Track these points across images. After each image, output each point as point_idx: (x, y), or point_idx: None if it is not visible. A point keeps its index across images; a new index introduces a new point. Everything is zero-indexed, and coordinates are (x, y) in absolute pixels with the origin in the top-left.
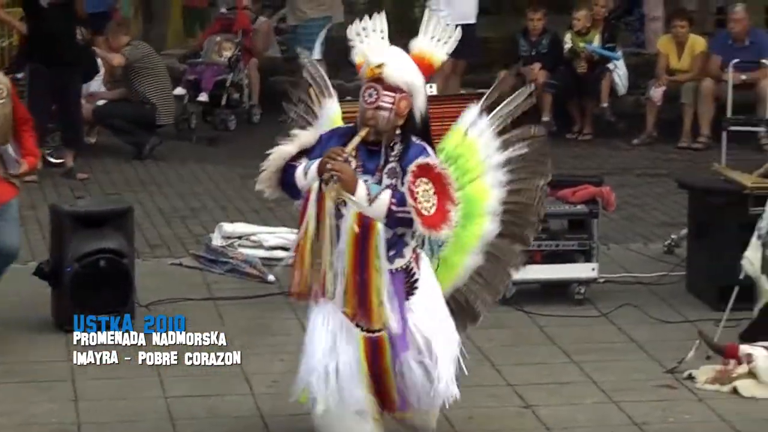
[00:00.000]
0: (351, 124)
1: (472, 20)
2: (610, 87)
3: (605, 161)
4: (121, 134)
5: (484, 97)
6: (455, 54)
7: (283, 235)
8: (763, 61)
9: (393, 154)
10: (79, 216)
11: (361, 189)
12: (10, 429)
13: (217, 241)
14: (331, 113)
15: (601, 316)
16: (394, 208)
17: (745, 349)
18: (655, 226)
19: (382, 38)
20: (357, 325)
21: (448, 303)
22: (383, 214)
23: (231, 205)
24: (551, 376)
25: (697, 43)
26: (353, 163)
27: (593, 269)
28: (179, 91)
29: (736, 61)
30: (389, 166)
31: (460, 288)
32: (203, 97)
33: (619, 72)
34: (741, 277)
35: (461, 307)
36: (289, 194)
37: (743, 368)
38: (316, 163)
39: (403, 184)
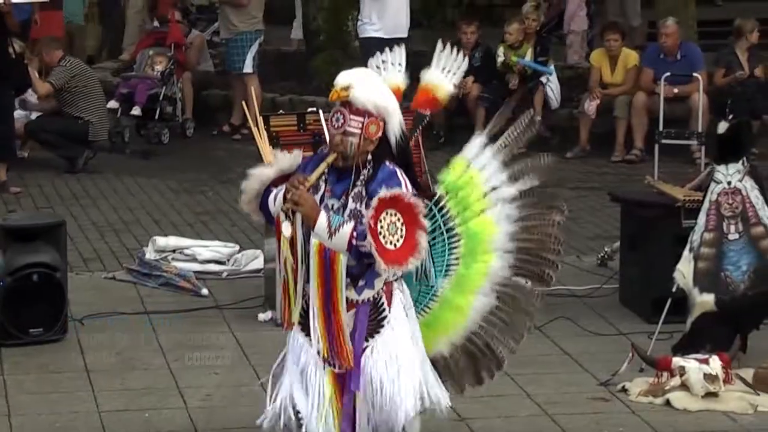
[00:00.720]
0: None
1: (404, 34)
2: (543, 100)
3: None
4: (53, 148)
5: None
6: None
7: (217, 248)
8: (695, 74)
9: (361, 178)
10: (11, 230)
11: (322, 220)
12: None
13: (150, 254)
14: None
15: (535, 330)
16: (354, 242)
17: (677, 361)
18: (589, 239)
19: (399, 71)
20: (324, 360)
21: (465, 349)
22: (344, 247)
23: (164, 219)
24: (485, 389)
25: (630, 56)
26: (322, 187)
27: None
28: (112, 104)
29: (667, 74)
30: (356, 189)
31: (477, 332)
32: (136, 110)
33: (552, 85)
34: (674, 289)
35: (482, 353)
36: (268, 220)
37: (676, 380)
38: (283, 190)
39: (367, 208)
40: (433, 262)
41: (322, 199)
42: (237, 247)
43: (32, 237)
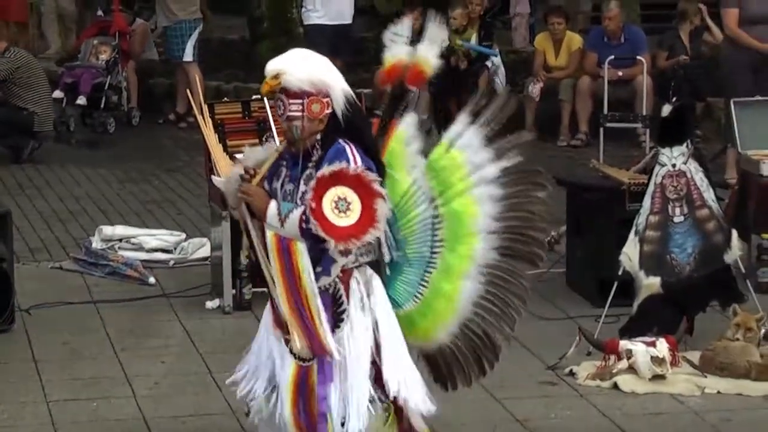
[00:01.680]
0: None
1: (348, 20)
2: (489, 84)
3: None
4: None
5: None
6: (332, 53)
7: (164, 237)
8: (639, 57)
9: (312, 159)
10: None
11: (272, 209)
12: None
13: (97, 243)
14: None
15: None
16: (304, 225)
17: (624, 344)
18: None
19: (406, 44)
20: (291, 352)
21: (465, 338)
22: (297, 232)
23: (111, 208)
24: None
25: (574, 40)
26: (283, 173)
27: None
28: (57, 94)
29: (611, 57)
30: (307, 172)
31: (472, 319)
32: (81, 100)
33: (497, 70)
34: (620, 272)
35: (482, 342)
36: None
37: (623, 364)
38: None
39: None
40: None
41: (282, 185)
42: (183, 236)
43: None
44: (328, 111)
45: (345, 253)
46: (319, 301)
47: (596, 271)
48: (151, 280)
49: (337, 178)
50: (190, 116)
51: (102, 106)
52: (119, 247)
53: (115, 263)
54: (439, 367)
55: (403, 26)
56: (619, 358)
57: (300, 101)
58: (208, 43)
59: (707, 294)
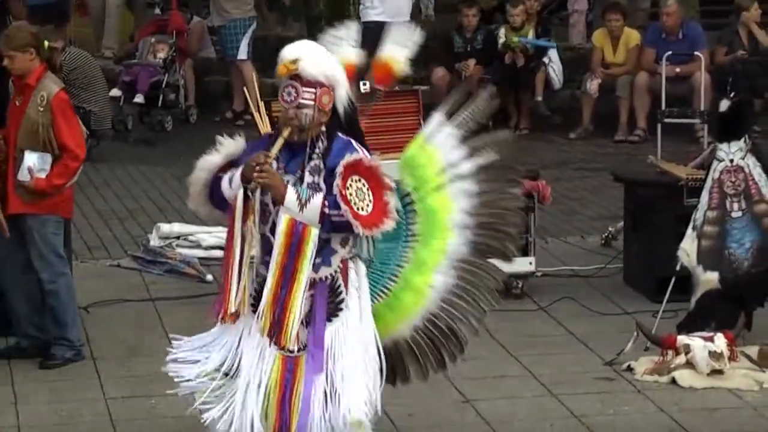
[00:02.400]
0: (273, 133)
1: (407, 17)
2: (546, 81)
3: (542, 155)
4: None
5: (447, 103)
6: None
7: (221, 234)
8: (697, 53)
9: (316, 151)
10: None
11: (291, 194)
12: None
13: (154, 241)
14: None
15: (540, 310)
16: (327, 211)
17: (682, 339)
18: (593, 219)
19: (353, 47)
20: (275, 344)
21: (427, 331)
22: (317, 218)
23: (168, 206)
24: (490, 370)
25: (632, 36)
26: (274, 165)
27: (530, 263)
28: (115, 92)
29: (669, 53)
30: (312, 162)
31: (438, 313)
32: (139, 98)
33: (554, 66)
34: (678, 268)
35: (445, 336)
36: (219, 208)
37: (681, 359)
38: (240, 170)
39: (325, 181)
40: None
41: None
42: None
43: None
44: (332, 104)
45: (344, 244)
46: (303, 295)
47: (654, 266)
48: (209, 277)
49: (356, 168)
50: (246, 114)
51: (159, 104)
52: (177, 245)
53: (173, 261)
54: (389, 359)
55: (347, 30)
56: (677, 354)
57: (313, 90)
58: (265, 41)
59: (765, 289)
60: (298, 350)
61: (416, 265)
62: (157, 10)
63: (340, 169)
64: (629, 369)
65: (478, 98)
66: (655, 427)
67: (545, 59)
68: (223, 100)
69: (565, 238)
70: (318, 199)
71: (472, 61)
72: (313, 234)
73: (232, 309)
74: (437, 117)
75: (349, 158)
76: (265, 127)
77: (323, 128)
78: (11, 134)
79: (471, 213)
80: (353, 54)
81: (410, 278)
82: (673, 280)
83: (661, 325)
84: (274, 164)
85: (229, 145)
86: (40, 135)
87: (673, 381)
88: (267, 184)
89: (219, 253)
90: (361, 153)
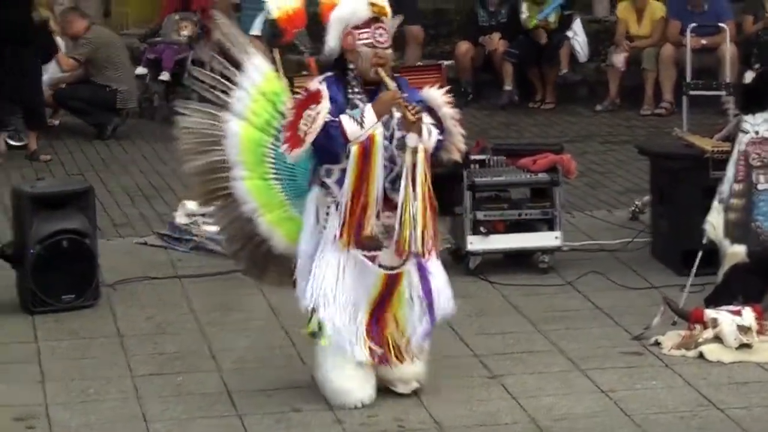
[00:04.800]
0: (328, 75)
1: None
2: (571, 54)
3: (568, 129)
4: (82, 115)
5: None
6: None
7: None
8: (722, 24)
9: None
10: (40, 197)
11: (425, 128)
12: None
13: (180, 219)
14: (264, 70)
15: (566, 285)
16: (439, 136)
17: (710, 313)
18: (619, 193)
19: None
20: (380, 266)
21: None
22: (433, 145)
23: None
24: (517, 345)
25: (656, 8)
26: (361, 106)
27: (556, 237)
28: (140, 70)
29: (694, 25)
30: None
31: None
32: (165, 76)
33: (579, 39)
34: (704, 241)
35: None
36: (323, 153)
37: (709, 333)
38: (368, 109)
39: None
40: None
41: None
42: None
43: (61, 204)
44: None
45: None
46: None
47: (680, 240)
48: None
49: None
50: None
51: (185, 81)
52: (203, 222)
53: (199, 238)
54: None
55: None
56: (705, 328)
57: (388, 31)
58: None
59: None
60: (399, 266)
61: None
62: None
63: (441, 99)
64: (656, 343)
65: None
66: (682, 401)
67: (569, 33)
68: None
69: (591, 212)
70: (432, 128)
71: (497, 35)
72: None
73: (369, 232)
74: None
75: (429, 90)
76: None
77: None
78: None
79: None
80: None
81: None
82: (700, 253)
83: (689, 299)
84: (361, 105)
85: (323, 89)
86: None
87: (701, 355)
88: (422, 118)
89: None
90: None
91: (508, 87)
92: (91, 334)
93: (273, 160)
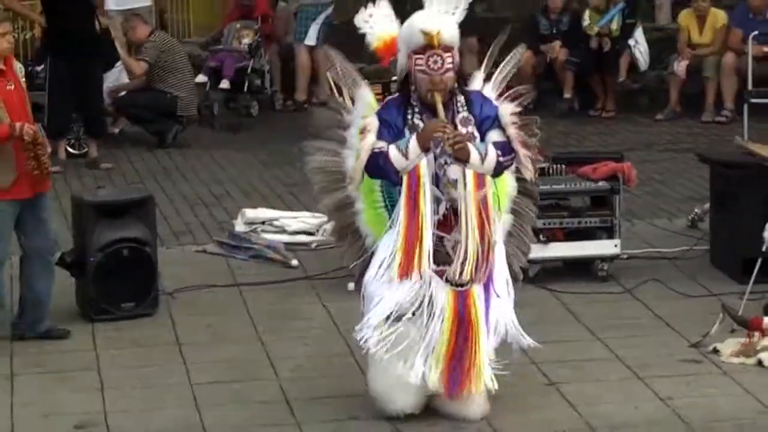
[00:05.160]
0: (394, 96)
1: None
2: (631, 62)
3: (628, 137)
4: (143, 123)
5: (483, 66)
6: None
7: (306, 219)
8: None
9: (460, 105)
10: (100, 206)
11: (474, 153)
12: (36, 418)
13: (240, 227)
14: (368, 99)
15: (625, 292)
16: (501, 159)
17: None
18: (679, 201)
19: (390, 20)
20: (446, 281)
21: None
22: (493, 167)
23: (254, 191)
24: (576, 353)
25: (718, 16)
26: (419, 125)
27: (616, 245)
28: (201, 78)
29: (756, 33)
30: (461, 115)
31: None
32: (225, 84)
33: (641, 47)
34: (764, 249)
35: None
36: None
37: (767, 340)
38: (413, 140)
39: (478, 129)
40: None
41: None
42: (326, 218)
43: (121, 212)
44: None
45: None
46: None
47: (740, 248)
48: (294, 262)
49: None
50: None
51: (245, 89)
52: (262, 230)
53: (258, 246)
54: None
55: (380, 6)
56: (764, 335)
57: (451, 55)
58: (351, 25)
59: None
60: (467, 284)
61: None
62: None
63: (509, 118)
64: (715, 351)
65: (507, 60)
66: (741, 409)
67: (631, 41)
68: (309, 86)
69: (651, 220)
70: (492, 150)
71: (558, 43)
72: (489, 179)
73: (425, 267)
74: (479, 77)
75: (505, 106)
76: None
77: (455, 84)
78: (24, 115)
79: None
80: (391, 28)
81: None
82: (759, 261)
83: (748, 307)
84: (420, 123)
85: (372, 122)
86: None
87: (760, 363)
88: (463, 148)
89: (304, 238)
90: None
91: (568, 95)
92: (150, 342)
93: (380, 188)
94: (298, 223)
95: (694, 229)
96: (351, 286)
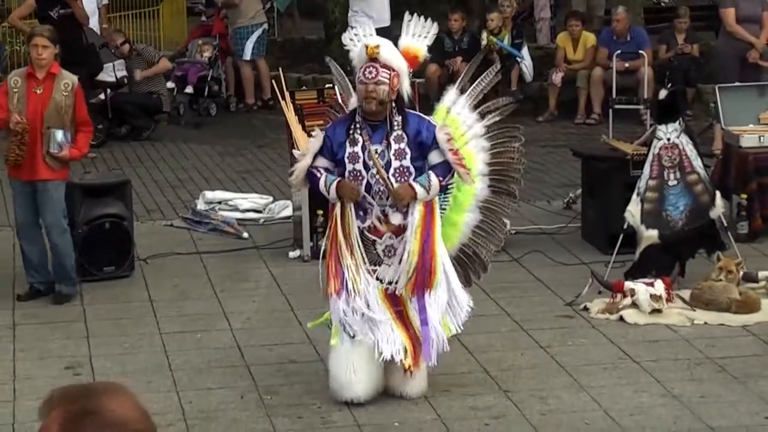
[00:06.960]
0: (343, 115)
1: (387, 23)
2: (519, 75)
3: None
4: (131, 118)
5: (458, 82)
6: None
7: (255, 200)
8: (642, 51)
9: (396, 123)
10: (87, 187)
11: (419, 188)
12: (33, 361)
13: (201, 205)
14: None
15: (513, 261)
16: (443, 183)
17: (629, 285)
18: (556, 187)
19: (423, 40)
20: (377, 278)
21: (458, 257)
22: (437, 191)
23: (212, 176)
24: (472, 310)
25: (589, 38)
26: (360, 140)
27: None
28: (170, 84)
29: (619, 52)
30: (395, 133)
31: (467, 243)
32: (189, 89)
33: (526, 63)
34: (625, 226)
35: (471, 259)
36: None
37: (627, 300)
38: (333, 187)
39: (408, 146)
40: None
41: (364, 148)
42: (271, 199)
43: (104, 193)
44: (397, 88)
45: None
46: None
47: (606, 225)
48: (245, 234)
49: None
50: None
51: (206, 94)
52: (219, 209)
53: (216, 221)
54: None
55: (365, 28)
56: (624, 296)
57: (388, 72)
58: (291, 42)
59: (696, 243)
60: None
61: (454, 205)
62: (204, 18)
63: (446, 138)
64: (585, 309)
65: (485, 75)
66: (606, 355)
67: (518, 58)
68: (256, 91)
69: (534, 203)
70: (434, 178)
71: (459, 58)
72: (437, 202)
73: (356, 288)
74: (452, 91)
75: (443, 129)
76: (290, 112)
77: (393, 105)
78: (37, 116)
79: (487, 163)
80: (422, 46)
81: (449, 216)
82: (621, 236)
83: (612, 273)
84: (360, 139)
85: (312, 144)
86: (65, 115)
87: (621, 318)
88: (405, 198)
89: (253, 215)
90: (436, 122)
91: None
92: (127, 299)
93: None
94: (249, 202)
95: (568, 210)
96: (291, 254)
